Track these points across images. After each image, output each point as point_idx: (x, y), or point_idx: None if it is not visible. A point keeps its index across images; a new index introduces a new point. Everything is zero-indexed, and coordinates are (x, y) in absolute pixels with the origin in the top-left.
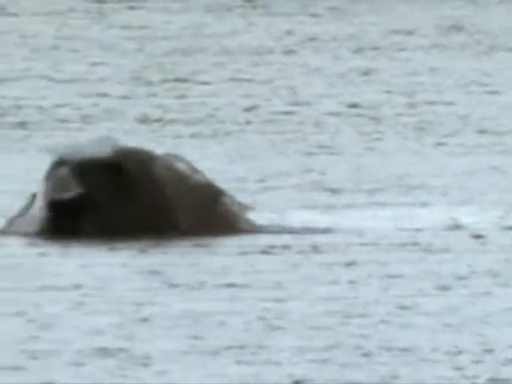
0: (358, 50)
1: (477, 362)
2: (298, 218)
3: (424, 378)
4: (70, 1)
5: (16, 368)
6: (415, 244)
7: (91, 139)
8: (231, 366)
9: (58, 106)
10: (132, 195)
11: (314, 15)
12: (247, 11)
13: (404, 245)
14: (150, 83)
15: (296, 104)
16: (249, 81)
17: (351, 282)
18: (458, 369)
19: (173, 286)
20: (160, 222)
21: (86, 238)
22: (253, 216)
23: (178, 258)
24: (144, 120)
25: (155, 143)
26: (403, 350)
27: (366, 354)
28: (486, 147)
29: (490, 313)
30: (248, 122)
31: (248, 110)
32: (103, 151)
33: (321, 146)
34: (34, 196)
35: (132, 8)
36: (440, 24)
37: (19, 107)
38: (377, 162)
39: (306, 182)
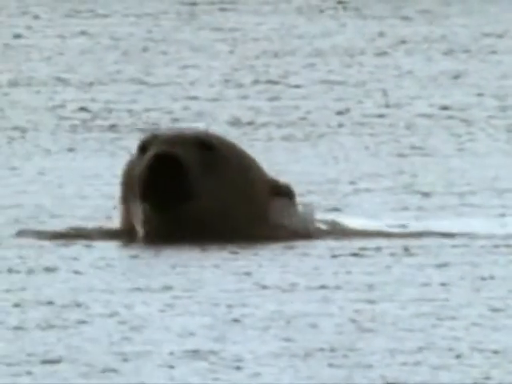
0: (449, 53)
1: None
2: (389, 220)
3: None
4: (162, 3)
5: (108, 370)
6: (507, 246)
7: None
8: (323, 368)
9: (149, 109)
10: (222, 178)
11: (405, 18)
12: (339, 13)
13: (496, 247)
14: (241, 85)
15: (388, 106)
16: (340, 83)
17: (443, 284)
18: None
19: (264, 287)
20: (249, 212)
21: (179, 239)
22: (344, 218)
23: (269, 260)
24: (235, 123)
25: (247, 146)
26: (495, 351)
27: (457, 356)
28: None
29: None
30: (340, 125)
31: (340, 112)
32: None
33: (412, 148)
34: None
35: (223, 10)
36: None
37: (110, 110)
38: (468, 164)
39: (397, 185)
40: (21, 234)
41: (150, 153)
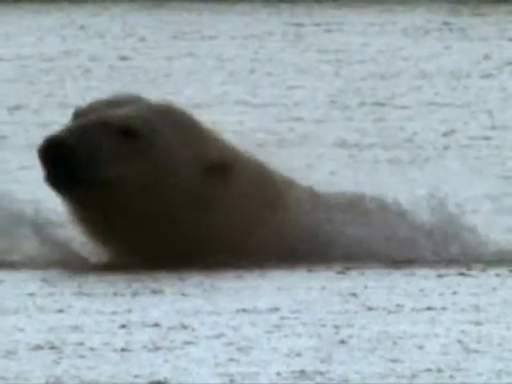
0: None
1: None
2: (496, 241)
3: None
4: (268, 24)
5: None
6: None
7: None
8: None
9: (255, 130)
10: (139, 164)
11: (511, 39)
12: (444, 35)
13: None
14: (347, 107)
15: (493, 128)
16: (446, 105)
17: None
18: None
19: (370, 308)
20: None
21: (283, 261)
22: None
23: (375, 281)
24: (341, 144)
25: (352, 168)
26: None
27: None
28: None
29: None
30: (446, 147)
31: (446, 134)
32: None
33: None
34: None
35: (329, 31)
36: None
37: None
38: None
39: (504, 206)
40: None
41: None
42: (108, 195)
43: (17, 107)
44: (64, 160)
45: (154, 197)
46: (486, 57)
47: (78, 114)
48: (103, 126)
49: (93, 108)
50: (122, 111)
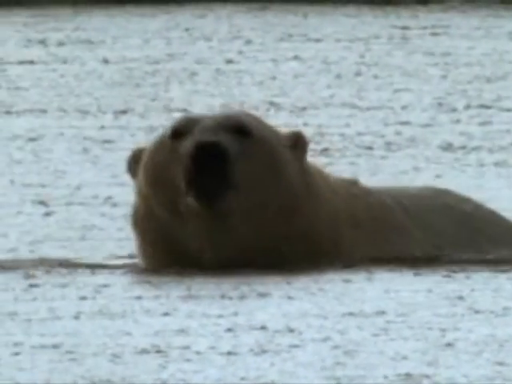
0: None
1: None
2: None
3: None
4: (374, 27)
5: None
6: None
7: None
8: None
9: (361, 133)
10: (259, 165)
11: None
12: None
13: None
14: (453, 110)
15: None
16: None
17: None
18: None
19: (477, 311)
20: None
21: (391, 263)
22: None
23: (482, 284)
24: (447, 147)
25: (458, 171)
26: None
27: None
28: None
29: None
30: None
31: None
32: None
33: None
34: None
35: (435, 34)
36: None
37: (322, 135)
38: None
39: None
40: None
41: (191, 141)
42: (246, 197)
43: (123, 111)
44: (219, 166)
45: (275, 195)
46: None
47: (179, 130)
48: (225, 127)
49: (191, 121)
50: (226, 113)
